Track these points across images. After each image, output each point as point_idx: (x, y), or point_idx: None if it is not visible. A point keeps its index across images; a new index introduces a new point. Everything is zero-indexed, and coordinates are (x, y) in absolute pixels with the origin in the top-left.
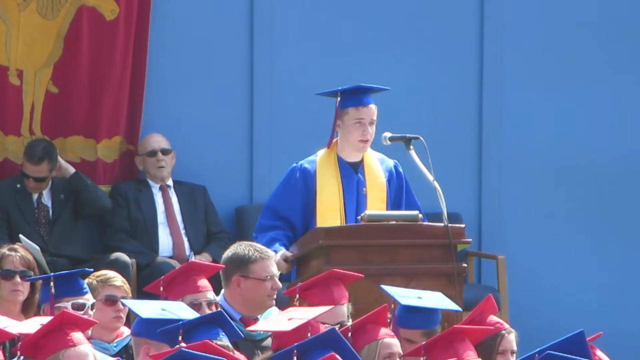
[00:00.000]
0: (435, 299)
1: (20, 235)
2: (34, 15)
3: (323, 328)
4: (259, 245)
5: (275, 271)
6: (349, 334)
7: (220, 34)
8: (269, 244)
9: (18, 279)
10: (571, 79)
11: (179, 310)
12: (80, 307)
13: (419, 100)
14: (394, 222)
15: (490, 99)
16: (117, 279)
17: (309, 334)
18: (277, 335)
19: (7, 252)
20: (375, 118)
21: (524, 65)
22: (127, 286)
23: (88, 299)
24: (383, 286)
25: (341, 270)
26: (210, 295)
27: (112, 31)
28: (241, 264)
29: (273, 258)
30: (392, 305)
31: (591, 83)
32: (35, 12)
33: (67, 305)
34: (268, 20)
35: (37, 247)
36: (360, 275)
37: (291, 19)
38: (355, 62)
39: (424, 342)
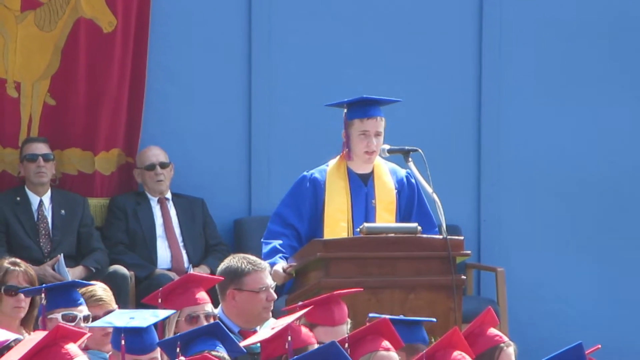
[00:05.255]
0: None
1: (60, 256)
2: (31, 28)
3: None
4: (252, 257)
5: (270, 282)
6: (346, 345)
7: (218, 46)
8: (270, 254)
9: (22, 295)
10: (571, 91)
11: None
12: (72, 318)
13: (417, 112)
14: (392, 235)
15: (489, 111)
16: (96, 295)
17: (289, 338)
18: (262, 346)
19: (11, 267)
20: (381, 130)
21: (523, 77)
22: (109, 299)
23: (81, 310)
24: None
25: (343, 291)
26: (209, 307)
27: (109, 43)
28: (235, 277)
29: (267, 269)
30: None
31: (591, 96)
32: (32, 24)
33: (57, 316)
34: (266, 31)
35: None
36: (360, 289)
37: (289, 29)
38: (354, 74)
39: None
